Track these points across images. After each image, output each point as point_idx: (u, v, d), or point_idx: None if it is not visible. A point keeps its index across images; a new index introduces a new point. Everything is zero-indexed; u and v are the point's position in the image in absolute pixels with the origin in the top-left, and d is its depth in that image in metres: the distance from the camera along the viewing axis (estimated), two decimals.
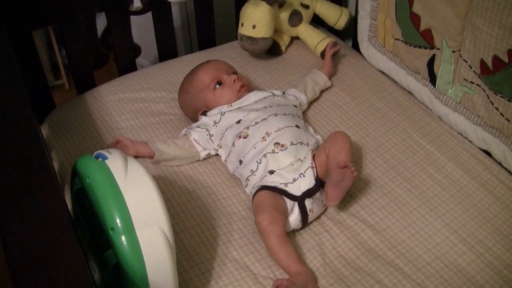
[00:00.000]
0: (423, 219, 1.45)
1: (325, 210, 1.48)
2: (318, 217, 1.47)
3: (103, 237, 1.13)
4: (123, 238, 1.09)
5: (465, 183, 1.53)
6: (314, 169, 1.46)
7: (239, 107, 1.63)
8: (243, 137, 1.54)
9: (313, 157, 1.49)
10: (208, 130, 1.60)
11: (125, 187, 1.13)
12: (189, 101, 1.70)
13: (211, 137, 1.59)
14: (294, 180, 1.44)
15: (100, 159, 1.20)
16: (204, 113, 1.66)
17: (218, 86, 1.66)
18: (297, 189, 1.43)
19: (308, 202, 1.42)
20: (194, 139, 1.60)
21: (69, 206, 1.37)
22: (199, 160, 1.61)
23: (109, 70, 2.10)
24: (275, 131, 1.52)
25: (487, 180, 1.54)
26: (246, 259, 1.37)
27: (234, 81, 1.66)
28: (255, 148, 1.51)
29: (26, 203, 1.05)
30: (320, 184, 1.44)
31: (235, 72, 1.71)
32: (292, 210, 1.42)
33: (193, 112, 1.70)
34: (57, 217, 1.05)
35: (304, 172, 1.45)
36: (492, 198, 1.49)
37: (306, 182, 1.44)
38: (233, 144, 1.55)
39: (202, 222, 1.45)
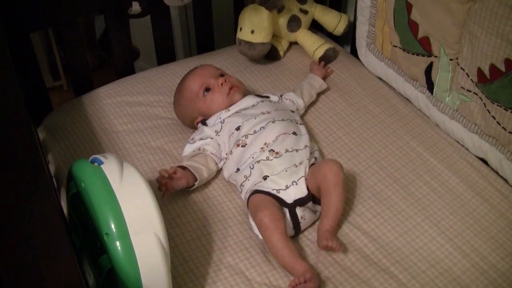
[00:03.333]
0: (419, 226, 1.45)
1: (318, 218, 1.47)
2: (314, 223, 1.47)
3: (98, 242, 1.13)
4: (117, 243, 1.09)
5: (461, 191, 1.53)
6: (307, 180, 1.46)
7: (237, 111, 1.62)
8: (241, 146, 1.54)
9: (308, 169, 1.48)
10: (215, 140, 1.59)
11: (120, 192, 1.13)
12: (183, 111, 1.70)
13: (219, 147, 1.59)
14: (287, 187, 1.44)
15: (95, 164, 1.20)
16: (203, 122, 1.65)
17: (206, 92, 1.66)
18: (289, 196, 1.43)
19: (299, 210, 1.42)
20: (211, 152, 1.57)
21: (65, 210, 1.37)
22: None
23: (107, 73, 2.10)
24: (273, 141, 1.52)
25: (483, 188, 1.54)
26: (241, 265, 1.37)
27: (222, 84, 1.65)
28: (252, 157, 1.51)
29: (20, 207, 1.05)
30: (312, 195, 1.44)
31: (222, 74, 1.70)
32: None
33: (190, 121, 1.70)
34: (52, 222, 1.05)
35: (297, 180, 1.45)
36: (488, 207, 1.49)
37: (298, 191, 1.43)
38: (231, 152, 1.55)
39: (197, 227, 1.45)
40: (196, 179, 1.50)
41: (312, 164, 1.50)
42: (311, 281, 1.27)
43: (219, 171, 1.60)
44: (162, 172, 1.45)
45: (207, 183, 1.57)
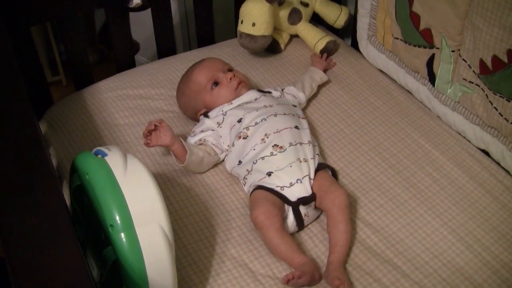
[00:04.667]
0: (422, 218, 1.45)
1: (321, 213, 1.47)
2: (317, 218, 1.47)
3: (102, 234, 1.13)
4: (122, 235, 1.08)
5: (463, 182, 1.54)
6: (312, 180, 1.45)
7: (239, 105, 1.62)
8: (243, 138, 1.53)
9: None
10: (217, 131, 1.59)
11: (125, 184, 1.13)
12: (188, 102, 1.69)
13: (221, 139, 1.59)
14: (291, 184, 1.43)
15: (99, 156, 1.20)
16: (205, 114, 1.65)
17: (215, 86, 1.65)
18: (293, 194, 1.42)
19: (302, 208, 1.42)
20: (212, 143, 1.57)
21: (68, 203, 1.37)
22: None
23: (108, 67, 2.09)
24: (274, 133, 1.51)
25: (485, 180, 1.54)
26: (244, 257, 1.37)
27: (230, 79, 1.65)
28: (254, 149, 1.50)
29: (25, 200, 1.05)
30: (315, 196, 1.44)
31: (230, 69, 1.70)
32: (287, 214, 1.41)
33: (193, 112, 1.69)
34: (56, 214, 1.05)
35: (302, 179, 1.44)
36: (490, 198, 1.49)
37: (302, 190, 1.43)
38: (233, 144, 1.55)
39: (200, 220, 1.45)
40: (186, 152, 1.49)
41: (318, 168, 1.49)
42: (302, 277, 1.27)
43: (221, 163, 1.60)
44: (149, 125, 1.49)
45: (209, 175, 1.57)
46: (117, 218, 1.09)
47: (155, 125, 1.49)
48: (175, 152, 1.51)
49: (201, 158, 1.53)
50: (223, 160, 1.60)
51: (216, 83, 1.65)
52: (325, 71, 1.87)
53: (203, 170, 1.57)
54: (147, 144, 1.52)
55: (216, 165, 1.60)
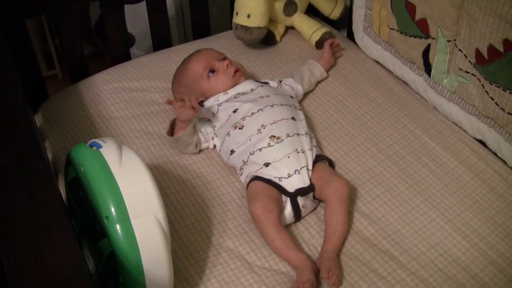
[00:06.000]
0: (418, 208, 1.45)
1: (318, 204, 1.47)
2: (315, 209, 1.47)
3: (98, 226, 1.13)
4: (117, 226, 1.08)
5: (460, 172, 1.54)
6: (310, 171, 1.45)
7: (235, 95, 1.62)
8: (239, 128, 1.53)
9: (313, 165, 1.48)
10: (210, 120, 1.59)
11: (120, 175, 1.13)
12: (185, 92, 1.68)
13: (214, 128, 1.59)
14: (289, 175, 1.43)
15: (94, 148, 1.20)
16: (201, 103, 1.65)
17: (211, 73, 1.65)
18: (291, 185, 1.42)
19: (300, 199, 1.42)
20: (201, 131, 1.58)
21: (63, 195, 1.37)
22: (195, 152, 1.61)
23: (103, 60, 2.09)
24: (271, 124, 1.51)
25: (481, 170, 1.54)
26: (241, 248, 1.37)
27: (227, 66, 1.65)
28: (250, 140, 1.50)
29: (20, 192, 1.05)
30: (313, 187, 1.44)
31: (225, 58, 1.70)
32: (285, 205, 1.41)
33: None
34: (52, 206, 1.05)
35: (300, 170, 1.44)
36: (486, 188, 1.49)
37: (300, 181, 1.43)
38: (228, 134, 1.54)
39: (196, 212, 1.45)
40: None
41: (316, 160, 1.49)
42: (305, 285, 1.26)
43: (218, 154, 1.60)
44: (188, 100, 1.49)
45: (205, 166, 1.57)
46: (112, 209, 1.09)
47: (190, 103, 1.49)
48: (176, 127, 1.54)
49: (187, 144, 1.56)
50: (201, 150, 1.61)
51: (212, 71, 1.65)
52: (327, 70, 1.85)
53: (179, 150, 1.59)
54: (169, 102, 1.54)
55: (211, 156, 1.60)
